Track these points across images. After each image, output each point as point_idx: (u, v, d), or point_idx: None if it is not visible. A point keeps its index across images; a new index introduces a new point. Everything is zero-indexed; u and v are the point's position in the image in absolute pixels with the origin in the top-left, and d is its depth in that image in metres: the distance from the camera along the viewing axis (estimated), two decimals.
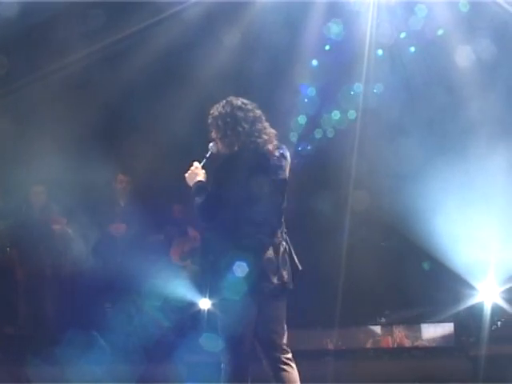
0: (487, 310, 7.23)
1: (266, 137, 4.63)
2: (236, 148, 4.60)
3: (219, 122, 4.67)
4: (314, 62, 8.50)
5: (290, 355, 4.55)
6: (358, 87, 8.31)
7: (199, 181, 4.74)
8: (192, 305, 7.88)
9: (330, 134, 8.30)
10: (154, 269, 7.79)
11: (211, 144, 4.77)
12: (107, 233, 8.40)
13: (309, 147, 8.72)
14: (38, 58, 8.31)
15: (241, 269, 4.44)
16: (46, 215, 8.29)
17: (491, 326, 7.17)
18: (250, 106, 4.69)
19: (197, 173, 4.78)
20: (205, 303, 7.90)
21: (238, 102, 4.70)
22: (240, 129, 4.61)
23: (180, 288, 7.78)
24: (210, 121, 4.72)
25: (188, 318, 7.87)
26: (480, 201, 7.36)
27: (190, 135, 8.51)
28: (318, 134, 8.50)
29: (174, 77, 8.60)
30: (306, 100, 8.58)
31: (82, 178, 7.92)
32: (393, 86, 8.22)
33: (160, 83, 8.60)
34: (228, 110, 4.66)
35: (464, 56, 7.88)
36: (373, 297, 7.92)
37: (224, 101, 4.71)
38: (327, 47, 8.53)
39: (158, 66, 8.46)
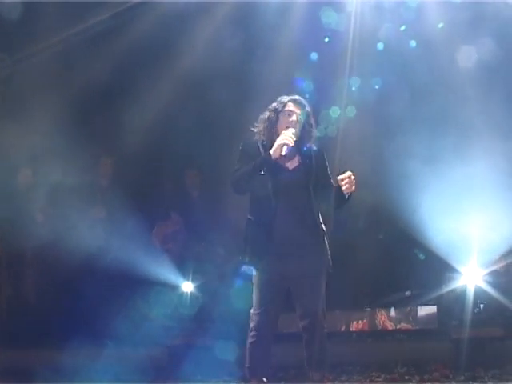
0: (470, 293, 7.25)
1: None
2: None
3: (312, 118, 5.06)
4: (314, 56, 8.47)
5: None
6: (356, 82, 8.30)
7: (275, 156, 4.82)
8: (174, 288, 7.86)
9: (331, 132, 8.25)
10: (135, 252, 7.74)
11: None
12: (89, 216, 8.33)
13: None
14: (18, 39, 8.22)
15: None
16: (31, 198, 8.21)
17: (474, 309, 7.18)
18: None
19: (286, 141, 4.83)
20: (187, 286, 7.89)
21: None
22: None
23: (162, 271, 7.75)
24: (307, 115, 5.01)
25: (171, 301, 7.83)
26: (464, 187, 7.36)
27: (175, 117, 8.51)
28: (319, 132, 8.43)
29: (159, 56, 8.53)
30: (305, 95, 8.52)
31: (64, 160, 7.86)
32: (392, 81, 8.19)
33: (145, 62, 8.53)
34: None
35: (464, 52, 7.88)
36: (356, 281, 7.93)
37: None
38: (326, 39, 8.48)
39: (142, 45, 8.40)
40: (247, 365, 4.94)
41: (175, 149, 8.77)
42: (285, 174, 4.95)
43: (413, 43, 8.22)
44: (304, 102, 5.05)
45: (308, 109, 5.05)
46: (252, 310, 4.94)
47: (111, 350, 7.04)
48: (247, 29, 8.31)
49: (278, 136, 4.91)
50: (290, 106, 5.00)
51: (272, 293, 4.90)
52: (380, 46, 8.24)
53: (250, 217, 4.96)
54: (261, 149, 4.97)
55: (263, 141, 5.01)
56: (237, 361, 6.22)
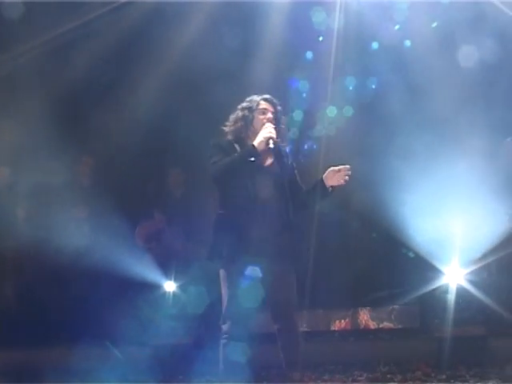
0: (452, 292, 7.28)
1: None
2: None
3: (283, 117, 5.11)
4: (309, 55, 8.47)
5: None
6: (352, 81, 8.31)
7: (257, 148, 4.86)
8: (157, 287, 7.83)
9: (329, 131, 8.24)
10: (118, 251, 7.71)
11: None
12: (70, 215, 8.28)
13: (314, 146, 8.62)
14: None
15: None
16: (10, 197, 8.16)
17: (456, 308, 7.20)
18: None
19: (271, 134, 4.87)
20: (170, 286, 7.87)
21: None
22: None
23: (145, 270, 7.73)
24: (279, 114, 5.04)
25: (153, 300, 7.81)
26: (447, 187, 7.39)
27: (158, 116, 8.48)
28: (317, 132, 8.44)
29: (141, 56, 8.51)
30: (297, 94, 8.53)
31: (45, 159, 7.81)
32: (388, 80, 8.21)
33: (126, 63, 8.50)
34: None
35: (458, 51, 7.92)
36: (339, 280, 7.93)
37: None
38: (320, 38, 8.48)
39: (126, 44, 8.39)
40: (222, 366, 4.90)
41: (158, 148, 8.74)
42: (261, 170, 4.95)
43: (407, 42, 8.25)
44: (275, 100, 5.07)
45: (279, 107, 5.07)
46: (224, 312, 4.90)
47: (91, 350, 7.01)
48: (238, 28, 8.30)
49: (254, 134, 4.93)
50: (264, 105, 5.02)
51: (247, 294, 4.84)
52: (375, 45, 8.28)
53: (223, 212, 4.94)
54: (236, 147, 4.95)
55: (238, 139, 5.00)
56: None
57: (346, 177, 4.97)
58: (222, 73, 8.14)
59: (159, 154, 8.84)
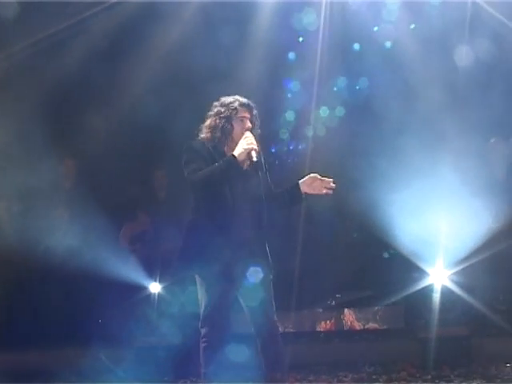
0: (436, 292, 7.29)
1: None
2: None
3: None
4: (291, 55, 8.47)
5: None
6: (343, 82, 8.32)
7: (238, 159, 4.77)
8: (142, 289, 7.80)
9: (320, 131, 8.24)
10: (102, 253, 7.68)
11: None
12: (54, 217, 8.24)
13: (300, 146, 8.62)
14: None
15: None
16: None
17: (440, 309, 7.22)
18: None
19: (253, 145, 4.79)
20: (155, 287, 7.84)
21: None
22: None
23: (129, 272, 7.70)
24: (255, 118, 4.95)
25: (138, 302, 7.78)
26: (431, 188, 7.42)
27: (143, 117, 8.46)
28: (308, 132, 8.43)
29: (122, 58, 8.48)
30: (290, 95, 8.53)
31: (28, 161, 7.76)
32: (378, 80, 8.22)
33: (108, 63, 8.46)
34: None
35: (446, 51, 7.96)
36: (324, 281, 7.94)
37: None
38: (300, 39, 8.48)
39: (106, 45, 8.36)
40: (204, 370, 4.86)
41: (143, 149, 8.72)
42: (239, 175, 4.84)
43: (388, 44, 8.28)
44: (252, 103, 4.97)
45: (255, 111, 4.98)
46: (202, 316, 4.86)
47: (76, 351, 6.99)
48: (230, 27, 8.30)
49: (232, 142, 4.87)
50: (242, 112, 4.91)
51: (225, 297, 4.82)
52: (365, 46, 8.30)
53: (197, 217, 4.87)
54: (211, 150, 4.86)
55: (214, 145, 4.90)
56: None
57: (329, 190, 4.92)
58: (212, 72, 8.13)
59: (144, 156, 8.81)
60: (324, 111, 8.24)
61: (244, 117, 4.91)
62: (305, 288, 7.61)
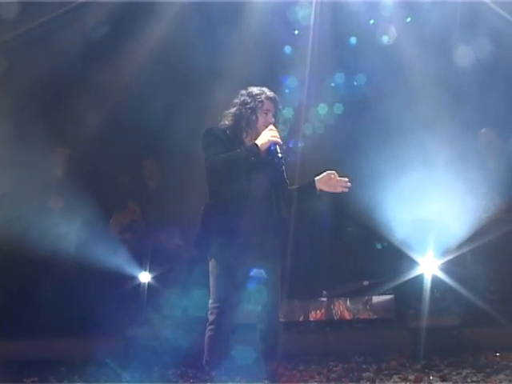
0: (427, 282, 7.30)
1: None
2: None
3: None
4: (287, 49, 8.44)
5: None
6: (340, 78, 8.30)
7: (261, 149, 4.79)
8: (132, 278, 7.79)
9: (318, 129, 8.22)
10: (92, 242, 7.66)
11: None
12: (45, 206, 8.21)
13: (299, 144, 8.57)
14: None
15: None
16: None
17: (431, 299, 7.24)
18: None
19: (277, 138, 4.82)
20: (145, 277, 7.83)
21: None
22: None
23: (120, 261, 7.68)
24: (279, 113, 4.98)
25: (128, 291, 7.76)
26: (423, 180, 7.42)
27: (133, 107, 8.43)
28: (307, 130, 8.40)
29: (113, 48, 8.44)
30: (287, 91, 8.50)
31: (19, 150, 7.73)
32: (375, 78, 8.21)
33: (99, 53, 8.43)
34: None
35: (443, 49, 7.95)
36: (314, 271, 7.94)
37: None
38: (296, 31, 8.45)
39: (97, 37, 8.35)
40: (207, 358, 4.84)
41: (133, 138, 8.69)
42: (256, 167, 4.85)
43: (385, 38, 8.25)
44: (277, 98, 5.00)
45: (280, 107, 5.02)
46: (211, 303, 4.84)
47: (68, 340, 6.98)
48: (226, 25, 8.27)
49: (254, 132, 4.90)
50: (267, 105, 4.94)
51: (233, 286, 4.82)
52: (353, 40, 8.28)
53: (213, 202, 4.89)
54: (233, 140, 4.89)
55: (235, 133, 4.93)
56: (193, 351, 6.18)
57: (345, 188, 4.96)
58: (205, 69, 8.11)
59: (134, 145, 8.78)
60: (322, 108, 8.22)
61: (268, 110, 4.94)
62: (295, 278, 7.59)
